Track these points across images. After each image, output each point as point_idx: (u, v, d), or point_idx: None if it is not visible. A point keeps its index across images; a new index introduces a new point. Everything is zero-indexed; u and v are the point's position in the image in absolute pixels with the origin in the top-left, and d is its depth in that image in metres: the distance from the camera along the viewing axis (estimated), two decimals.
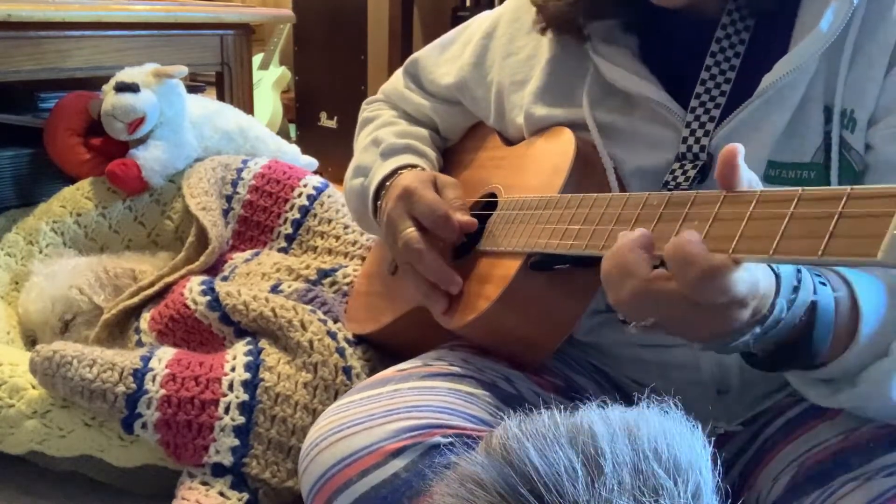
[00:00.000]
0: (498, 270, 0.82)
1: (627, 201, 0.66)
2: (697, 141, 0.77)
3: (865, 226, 0.45)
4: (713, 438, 0.50)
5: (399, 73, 1.14)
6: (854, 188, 0.48)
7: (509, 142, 0.97)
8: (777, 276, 0.57)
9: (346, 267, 1.35)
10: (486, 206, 0.93)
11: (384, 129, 1.06)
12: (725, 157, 0.56)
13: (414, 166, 0.98)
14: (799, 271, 0.59)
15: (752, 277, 0.54)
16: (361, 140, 1.10)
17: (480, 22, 1.03)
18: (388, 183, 0.96)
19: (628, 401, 0.53)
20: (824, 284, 0.61)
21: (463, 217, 0.86)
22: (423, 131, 1.07)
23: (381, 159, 1.01)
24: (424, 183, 0.89)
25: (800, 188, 0.51)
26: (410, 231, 0.87)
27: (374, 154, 1.03)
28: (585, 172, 0.81)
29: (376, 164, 1.01)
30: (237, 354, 1.14)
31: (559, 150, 0.84)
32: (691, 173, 0.76)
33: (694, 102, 0.78)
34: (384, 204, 0.94)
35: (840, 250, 0.46)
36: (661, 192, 0.63)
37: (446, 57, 1.06)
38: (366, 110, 1.17)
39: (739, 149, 0.55)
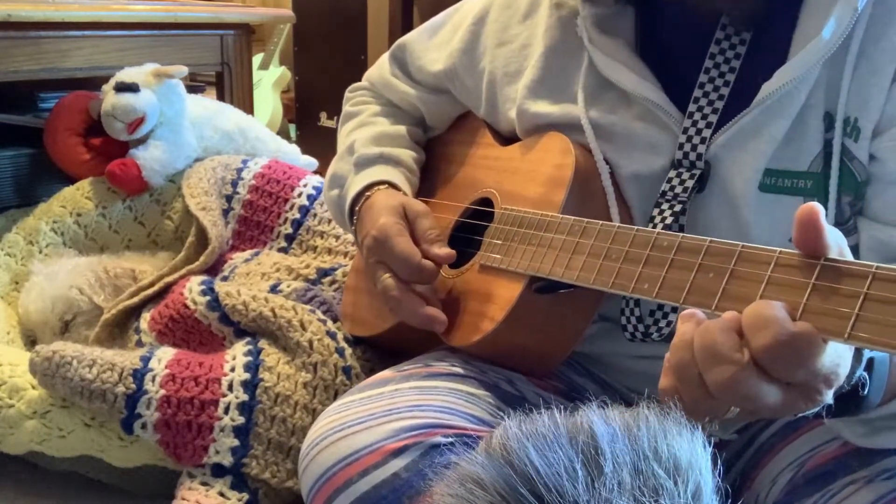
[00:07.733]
0: (500, 290, 0.81)
1: (634, 239, 0.65)
2: (694, 147, 0.75)
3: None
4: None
5: (385, 57, 1.10)
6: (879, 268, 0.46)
7: (501, 137, 0.95)
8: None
9: (345, 266, 1.35)
10: (479, 210, 0.92)
11: (361, 132, 1.04)
12: (804, 218, 0.48)
13: (386, 182, 0.97)
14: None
15: (836, 352, 0.49)
16: (342, 138, 1.08)
17: (472, 5, 0.99)
18: (356, 207, 0.96)
19: (628, 406, 0.53)
20: None
21: (440, 250, 0.86)
22: (402, 129, 1.04)
23: (354, 171, 1.00)
24: (395, 224, 0.87)
25: (822, 260, 0.49)
26: (387, 279, 0.86)
27: (348, 163, 1.02)
28: (586, 188, 0.80)
29: (350, 176, 1.00)
30: (237, 355, 1.14)
31: (558, 161, 0.82)
32: (689, 183, 0.75)
33: (692, 107, 0.76)
34: (359, 235, 0.94)
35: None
36: (670, 233, 0.62)
37: (435, 42, 1.02)
38: (349, 100, 1.14)
39: (819, 209, 0.47)
